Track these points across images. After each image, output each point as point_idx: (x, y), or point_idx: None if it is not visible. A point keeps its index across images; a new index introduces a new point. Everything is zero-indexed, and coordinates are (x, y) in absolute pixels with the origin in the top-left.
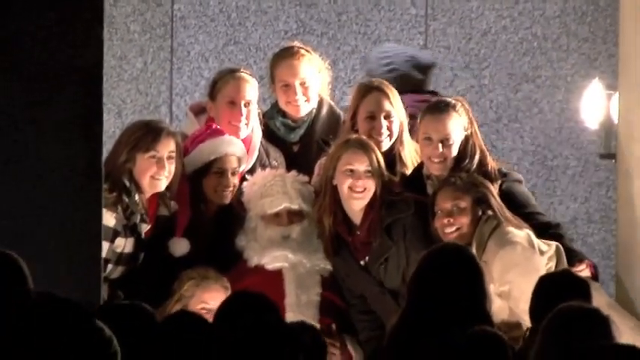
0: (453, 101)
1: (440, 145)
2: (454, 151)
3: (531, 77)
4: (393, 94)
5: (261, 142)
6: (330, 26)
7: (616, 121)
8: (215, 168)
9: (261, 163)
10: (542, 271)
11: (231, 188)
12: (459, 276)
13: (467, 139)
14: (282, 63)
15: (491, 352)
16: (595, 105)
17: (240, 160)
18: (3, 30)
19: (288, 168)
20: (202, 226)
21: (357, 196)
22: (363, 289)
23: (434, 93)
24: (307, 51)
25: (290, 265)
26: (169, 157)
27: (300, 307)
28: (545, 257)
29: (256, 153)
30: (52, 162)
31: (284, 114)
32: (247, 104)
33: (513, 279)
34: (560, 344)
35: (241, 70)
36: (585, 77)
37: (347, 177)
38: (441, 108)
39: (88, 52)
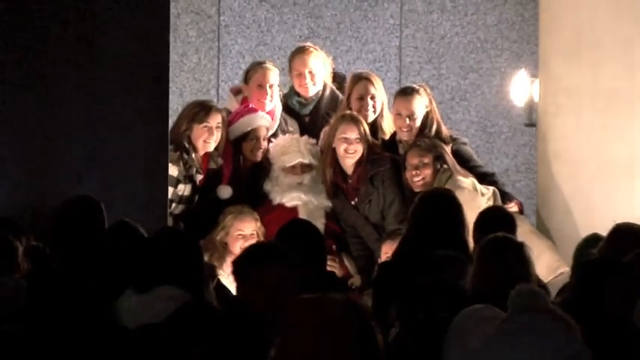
0: (417, 86)
1: (407, 118)
2: (418, 123)
3: (476, 68)
4: (377, 81)
5: (281, 114)
6: (331, 32)
7: (536, 100)
8: (251, 135)
9: (281, 129)
10: (483, 208)
11: (262, 150)
12: (445, 212)
13: (427, 114)
14: (297, 57)
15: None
16: (521, 89)
17: (268, 129)
18: (91, 25)
19: (301, 133)
20: (240, 176)
21: (349, 156)
22: (353, 221)
23: None
24: (315, 49)
25: (302, 203)
26: (217, 127)
27: None
28: (485, 198)
29: (278, 122)
30: (133, 131)
31: (298, 94)
32: (271, 87)
33: None
34: (484, 267)
35: (266, 62)
36: (515, 69)
37: (342, 142)
38: (408, 91)
39: (158, 51)
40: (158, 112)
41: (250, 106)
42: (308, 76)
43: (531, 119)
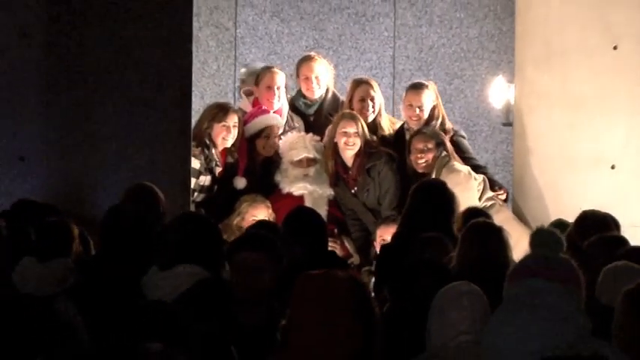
0: (426, 82)
1: (417, 109)
2: (426, 115)
3: (459, 75)
4: (376, 85)
5: (288, 113)
6: (333, 43)
7: (512, 102)
8: (264, 133)
9: (288, 125)
10: (475, 191)
11: (273, 146)
12: (436, 200)
13: (434, 107)
14: (304, 64)
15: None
16: (499, 92)
17: (278, 128)
18: (124, 37)
19: (306, 131)
20: (254, 169)
21: (349, 148)
22: (353, 207)
23: None
24: (319, 57)
25: (308, 192)
26: (234, 126)
27: None
28: (477, 182)
29: (285, 119)
30: (160, 129)
31: (304, 96)
32: (278, 88)
33: (457, 193)
34: (467, 249)
35: (274, 67)
36: (493, 75)
37: (342, 136)
38: (418, 86)
39: (182, 59)
40: (182, 113)
41: (263, 107)
42: (314, 80)
43: (508, 119)
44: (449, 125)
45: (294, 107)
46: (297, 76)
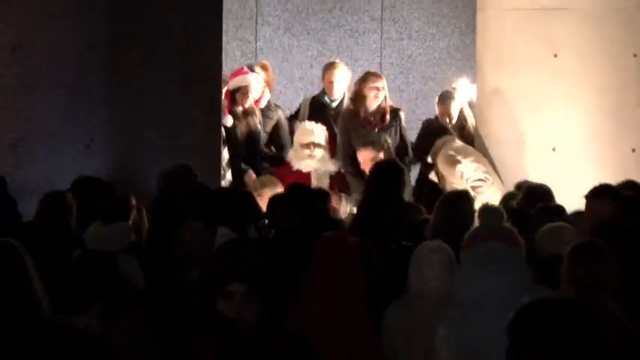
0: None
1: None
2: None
3: (433, 78)
4: (384, 79)
5: (273, 104)
6: (333, 52)
7: (475, 100)
8: (242, 90)
9: (268, 109)
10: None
11: (245, 99)
12: (390, 176)
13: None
14: (327, 70)
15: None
16: (465, 91)
17: (250, 87)
18: (169, 46)
19: (328, 121)
20: (237, 115)
21: (376, 99)
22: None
23: None
24: (340, 64)
25: (314, 169)
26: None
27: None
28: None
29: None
30: (196, 122)
31: (328, 95)
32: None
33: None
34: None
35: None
36: (459, 78)
37: (371, 90)
38: (445, 95)
39: (214, 67)
40: (213, 109)
41: (244, 69)
42: (335, 84)
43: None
44: (470, 123)
45: (319, 102)
46: (323, 78)
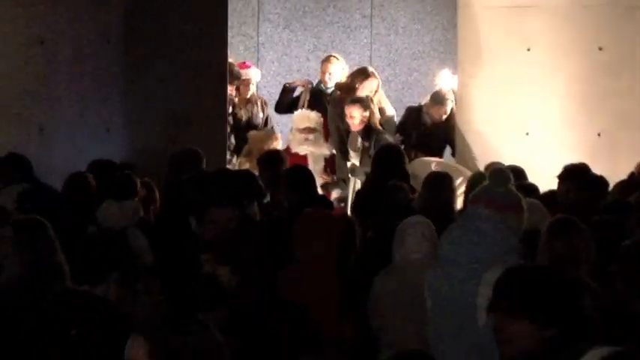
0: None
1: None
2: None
3: (417, 69)
4: (377, 75)
5: (264, 102)
6: (327, 46)
7: (455, 88)
8: (245, 81)
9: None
10: None
11: (247, 90)
12: (394, 157)
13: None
14: (323, 63)
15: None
16: (446, 81)
17: (251, 79)
18: (180, 42)
19: (325, 107)
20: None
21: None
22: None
23: None
24: (334, 58)
25: (310, 152)
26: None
27: (315, 170)
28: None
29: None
30: (203, 110)
31: (324, 84)
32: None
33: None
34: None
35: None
36: (442, 69)
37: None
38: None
39: (220, 61)
40: (220, 98)
41: (247, 63)
42: (327, 75)
43: (453, 100)
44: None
45: (318, 90)
46: (322, 71)
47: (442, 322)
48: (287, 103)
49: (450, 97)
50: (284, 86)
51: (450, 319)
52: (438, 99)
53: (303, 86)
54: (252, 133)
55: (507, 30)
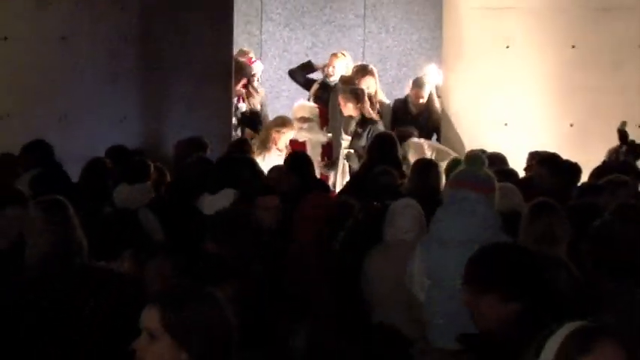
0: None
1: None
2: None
3: (406, 65)
4: (376, 72)
5: (262, 97)
6: (324, 44)
7: (440, 83)
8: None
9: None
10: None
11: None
12: (386, 146)
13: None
14: (330, 58)
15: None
16: (433, 76)
17: (256, 73)
18: (190, 39)
19: (329, 97)
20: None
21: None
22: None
23: None
24: (340, 55)
25: (307, 139)
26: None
27: (313, 154)
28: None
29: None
30: (211, 101)
31: (327, 76)
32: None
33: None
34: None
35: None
36: (428, 65)
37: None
38: (418, 81)
39: (226, 57)
40: (225, 90)
41: (252, 59)
42: (331, 69)
43: (438, 93)
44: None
45: (323, 83)
46: (327, 62)
47: (439, 300)
48: (302, 76)
49: (429, 82)
50: (309, 61)
51: (446, 298)
52: (417, 82)
53: (323, 70)
54: (269, 122)
55: (488, 29)
